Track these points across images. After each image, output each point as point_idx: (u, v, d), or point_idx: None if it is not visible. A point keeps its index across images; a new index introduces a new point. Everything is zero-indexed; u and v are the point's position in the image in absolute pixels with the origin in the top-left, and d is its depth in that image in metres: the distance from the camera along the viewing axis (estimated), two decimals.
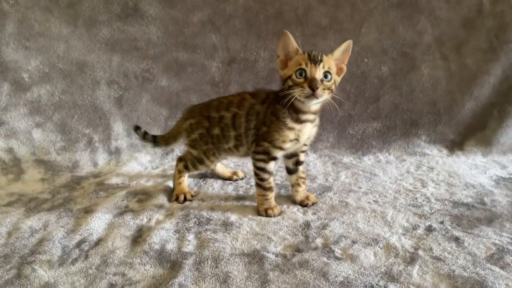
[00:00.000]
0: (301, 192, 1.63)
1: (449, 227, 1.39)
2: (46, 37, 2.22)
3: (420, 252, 1.23)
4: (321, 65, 1.35)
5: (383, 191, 1.74)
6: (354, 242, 1.30)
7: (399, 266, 1.15)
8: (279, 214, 1.52)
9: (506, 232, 1.35)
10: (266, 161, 1.52)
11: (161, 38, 2.33)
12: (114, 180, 1.93)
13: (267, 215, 1.51)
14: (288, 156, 1.61)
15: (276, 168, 1.59)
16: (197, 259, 1.21)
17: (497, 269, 1.13)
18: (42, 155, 2.15)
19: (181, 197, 1.68)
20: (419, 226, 1.40)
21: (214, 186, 1.85)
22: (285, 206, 1.60)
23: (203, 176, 1.98)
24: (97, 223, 1.47)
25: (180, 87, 2.38)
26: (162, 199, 1.67)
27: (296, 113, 1.44)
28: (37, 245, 1.32)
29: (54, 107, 2.24)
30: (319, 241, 1.31)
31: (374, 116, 2.42)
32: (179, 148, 2.27)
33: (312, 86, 1.32)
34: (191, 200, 1.68)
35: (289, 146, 1.51)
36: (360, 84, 2.42)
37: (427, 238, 1.31)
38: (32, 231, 1.43)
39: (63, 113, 2.25)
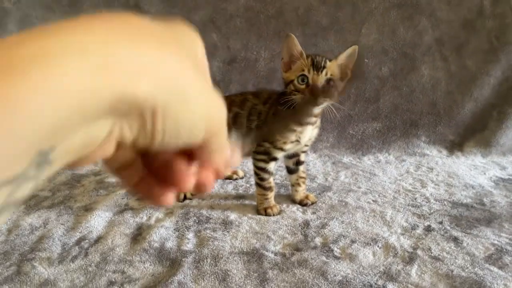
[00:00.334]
0: (301, 192, 1.63)
1: (448, 227, 1.39)
2: None
3: (419, 252, 1.23)
4: (324, 72, 1.34)
5: (383, 191, 1.75)
6: (353, 241, 1.30)
7: (397, 266, 1.16)
8: (279, 213, 1.53)
9: (505, 233, 1.35)
10: (266, 161, 1.52)
11: None
12: (114, 179, 1.94)
13: (266, 214, 1.51)
14: (289, 156, 1.61)
15: (275, 168, 1.59)
16: (197, 257, 1.21)
17: (495, 269, 1.14)
18: None
19: (181, 196, 1.68)
20: (418, 226, 1.40)
21: (214, 185, 1.86)
22: (284, 205, 1.60)
23: None
24: (97, 221, 1.47)
25: None
26: None
27: None
28: (37, 242, 1.33)
29: None
30: (318, 240, 1.31)
31: (374, 117, 2.42)
32: None
33: (313, 93, 1.32)
34: (190, 199, 1.69)
35: (290, 147, 1.51)
36: (360, 84, 2.42)
37: (426, 238, 1.32)
38: (32, 229, 1.44)
39: None
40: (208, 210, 1.56)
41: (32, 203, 1.68)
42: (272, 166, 1.54)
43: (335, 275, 1.12)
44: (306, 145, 1.57)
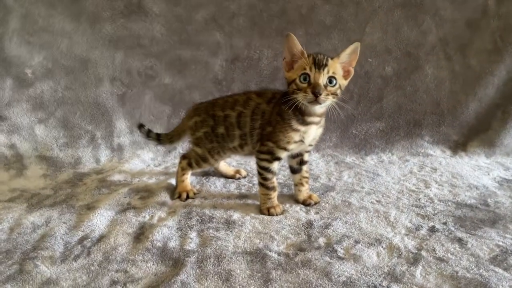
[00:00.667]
0: (304, 192, 1.62)
1: (452, 228, 1.38)
2: (49, 33, 2.22)
3: (423, 252, 1.22)
4: (326, 70, 1.33)
5: (386, 191, 1.74)
6: (357, 242, 1.29)
7: (402, 267, 1.15)
8: (282, 213, 1.52)
9: (509, 234, 1.34)
10: (270, 161, 1.52)
11: (164, 35, 2.33)
12: (117, 177, 1.93)
13: (269, 214, 1.50)
14: (293, 156, 1.60)
15: (278, 167, 1.58)
16: (200, 257, 1.20)
17: (500, 270, 1.13)
18: (45, 151, 2.14)
19: (184, 195, 1.68)
20: (422, 227, 1.39)
21: (217, 184, 1.85)
22: (287, 205, 1.59)
23: (206, 174, 1.98)
24: (99, 219, 1.46)
25: (183, 84, 2.38)
26: (165, 196, 1.67)
27: (302, 115, 1.43)
28: (39, 241, 1.32)
29: (57, 103, 2.24)
30: (321, 241, 1.30)
31: (377, 116, 2.41)
32: (181, 146, 2.27)
33: (315, 92, 1.31)
34: (193, 198, 1.68)
35: (294, 147, 1.50)
36: (364, 84, 2.41)
37: (430, 239, 1.31)
38: (34, 227, 1.43)
39: (66, 110, 2.25)
40: (211, 210, 1.55)
41: (34, 201, 1.68)
42: (275, 165, 1.53)
43: (339, 276, 1.11)
44: (310, 145, 1.56)
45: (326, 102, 1.36)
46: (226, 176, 1.94)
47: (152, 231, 1.36)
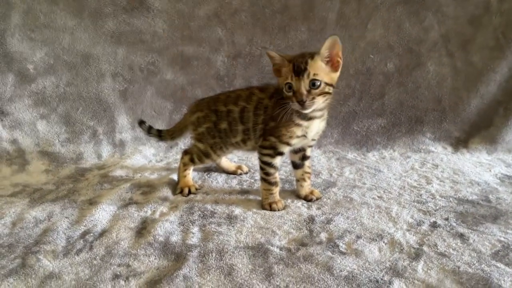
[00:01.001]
0: (306, 187, 1.63)
1: (454, 224, 1.38)
2: (51, 29, 2.22)
3: (425, 248, 1.22)
4: (306, 74, 1.32)
5: (388, 187, 1.74)
6: (358, 237, 1.29)
7: (404, 262, 1.15)
8: (283, 208, 1.52)
9: (511, 230, 1.34)
10: (272, 156, 1.52)
11: (166, 31, 2.33)
12: (118, 173, 1.93)
13: (271, 209, 1.51)
14: (295, 151, 1.60)
15: (280, 163, 1.58)
16: (202, 252, 1.21)
17: (502, 266, 1.13)
18: (47, 146, 2.15)
19: (186, 190, 1.68)
20: (423, 222, 1.39)
21: (218, 180, 1.85)
22: (289, 201, 1.59)
23: (207, 170, 1.98)
24: (102, 214, 1.47)
25: (185, 80, 2.38)
26: (167, 191, 1.67)
27: None
28: (41, 235, 1.33)
29: (59, 99, 2.24)
30: (323, 236, 1.30)
31: (379, 113, 2.41)
32: (183, 142, 2.27)
33: (299, 101, 1.32)
34: (195, 193, 1.69)
35: (296, 142, 1.50)
36: (365, 80, 2.41)
37: (431, 234, 1.31)
38: (36, 221, 1.44)
39: (68, 105, 2.25)
40: (213, 205, 1.55)
41: (36, 196, 1.68)
42: (278, 161, 1.53)
43: (341, 271, 1.11)
44: (313, 140, 1.56)
45: (314, 106, 1.35)
46: (227, 172, 1.95)
47: (154, 226, 1.36)
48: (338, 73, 1.41)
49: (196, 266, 1.14)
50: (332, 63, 1.38)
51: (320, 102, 1.36)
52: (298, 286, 1.05)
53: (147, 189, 1.70)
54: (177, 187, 1.72)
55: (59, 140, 2.19)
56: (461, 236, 1.30)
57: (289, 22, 2.35)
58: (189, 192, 1.68)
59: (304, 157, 1.61)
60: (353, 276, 1.09)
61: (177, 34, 2.34)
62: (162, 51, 2.34)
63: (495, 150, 2.27)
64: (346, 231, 1.33)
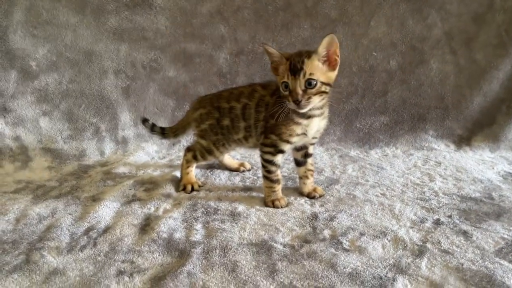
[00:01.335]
0: (309, 184, 1.63)
1: (457, 221, 1.38)
2: (53, 26, 2.22)
3: (429, 245, 1.22)
4: (302, 74, 1.31)
5: (391, 185, 1.73)
6: (362, 234, 1.29)
7: (407, 259, 1.15)
8: (286, 206, 1.52)
9: None
10: (273, 154, 1.52)
11: (169, 28, 2.32)
12: (121, 169, 1.94)
13: (274, 206, 1.51)
14: (297, 149, 1.60)
15: (283, 160, 1.58)
16: (205, 248, 1.21)
17: (506, 263, 1.13)
18: (49, 143, 2.15)
19: (189, 187, 1.68)
20: (427, 220, 1.39)
21: (221, 177, 1.85)
22: (292, 198, 1.59)
23: (210, 167, 1.98)
24: (105, 211, 1.47)
25: (188, 78, 2.37)
26: (170, 188, 1.68)
27: None
28: (45, 232, 1.33)
29: (62, 96, 2.24)
30: (327, 233, 1.31)
31: (381, 110, 2.40)
32: (186, 139, 2.27)
33: (294, 100, 1.31)
34: (198, 190, 1.69)
35: (297, 140, 1.50)
36: (368, 77, 2.40)
37: (435, 232, 1.31)
38: (40, 218, 1.44)
39: (70, 102, 2.25)
40: (216, 202, 1.55)
41: (40, 193, 1.68)
42: (279, 158, 1.53)
43: (344, 267, 1.11)
44: (314, 138, 1.56)
45: (310, 105, 1.35)
46: (230, 169, 1.95)
47: (157, 223, 1.37)
48: (335, 72, 1.40)
49: (200, 262, 1.14)
50: (329, 62, 1.37)
51: (316, 101, 1.35)
52: (302, 282, 1.05)
53: (150, 186, 1.70)
54: (180, 184, 1.72)
55: (62, 137, 2.19)
56: (465, 233, 1.30)
57: (292, 19, 2.35)
58: (192, 189, 1.68)
59: (307, 155, 1.61)
60: (357, 273, 1.09)
61: (179, 31, 2.33)
62: (165, 48, 2.34)
63: (498, 148, 2.26)
64: (349, 228, 1.33)
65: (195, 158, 1.73)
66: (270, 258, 1.16)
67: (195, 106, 1.76)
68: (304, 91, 1.32)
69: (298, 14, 2.35)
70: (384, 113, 2.40)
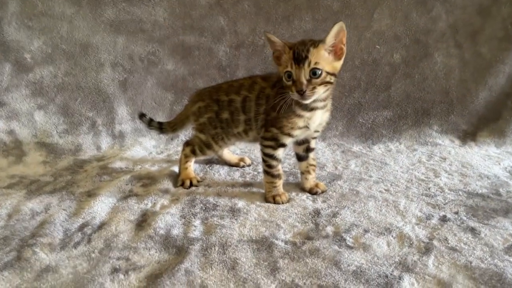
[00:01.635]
0: (311, 180, 1.58)
1: (464, 218, 1.34)
2: (49, 17, 2.17)
3: (435, 242, 1.18)
4: (306, 63, 1.26)
5: (395, 180, 1.69)
6: (366, 231, 1.25)
7: (413, 256, 1.11)
8: (287, 201, 1.48)
9: None
10: (274, 148, 1.47)
11: (167, 20, 2.27)
12: (118, 164, 1.89)
13: (275, 202, 1.46)
14: (299, 143, 1.55)
15: (284, 155, 1.54)
16: (204, 245, 1.16)
17: None
18: (44, 137, 2.11)
19: (187, 182, 1.64)
20: (433, 216, 1.35)
21: (221, 172, 1.81)
22: (293, 194, 1.55)
23: (209, 162, 1.93)
24: (101, 206, 1.43)
25: (186, 71, 2.32)
26: (167, 184, 1.63)
27: None
28: (38, 228, 1.29)
29: (57, 89, 2.19)
30: (329, 229, 1.26)
31: (385, 105, 2.36)
32: (184, 133, 2.23)
33: (298, 90, 1.26)
34: (197, 186, 1.64)
35: (298, 133, 1.45)
36: (371, 71, 2.35)
37: (441, 228, 1.26)
38: (33, 214, 1.40)
39: (66, 95, 2.20)
40: (215, 198, 1.51)
41: (33, 188, 1.64)
42: (280, 152, 1.49)
43: (348, 265, 1.07)
44: (316, 131, 1.51)
45: (314, 96, 1.30)
46: (230, 164, 1.90)
47: (154, 219, 1.32)
48: (341, 62, 1.35)
49: (198, 260, 1.09)
50: (335, 51, 1.32)
51: (320, 92, 1.31)
52: (304, 281, 1.01)
53: (147, 181, 1.66)
54: (178, 179, 1.68)
55: (57, 131, 2.14)
56: (472, 230, 1.25)
57: (293, 11, 2.30)
58: (191, 185, 1.64)
59: (308, 149, 1.56)
60: (361, 271, 1.04)
61: (178, 23, 2.28)
62: (163, 41, 2.29)
63: (504, 143, 2.21)
64: (353, 225, 1.29)
65: (193, 152, 1.69)
66: (271, 256, 1.12)
67: (193, 99, 1.71)
68: (309, 81, 1.27)
69: (299, 6, 2.30)
70: (387, 107, 2.35)
